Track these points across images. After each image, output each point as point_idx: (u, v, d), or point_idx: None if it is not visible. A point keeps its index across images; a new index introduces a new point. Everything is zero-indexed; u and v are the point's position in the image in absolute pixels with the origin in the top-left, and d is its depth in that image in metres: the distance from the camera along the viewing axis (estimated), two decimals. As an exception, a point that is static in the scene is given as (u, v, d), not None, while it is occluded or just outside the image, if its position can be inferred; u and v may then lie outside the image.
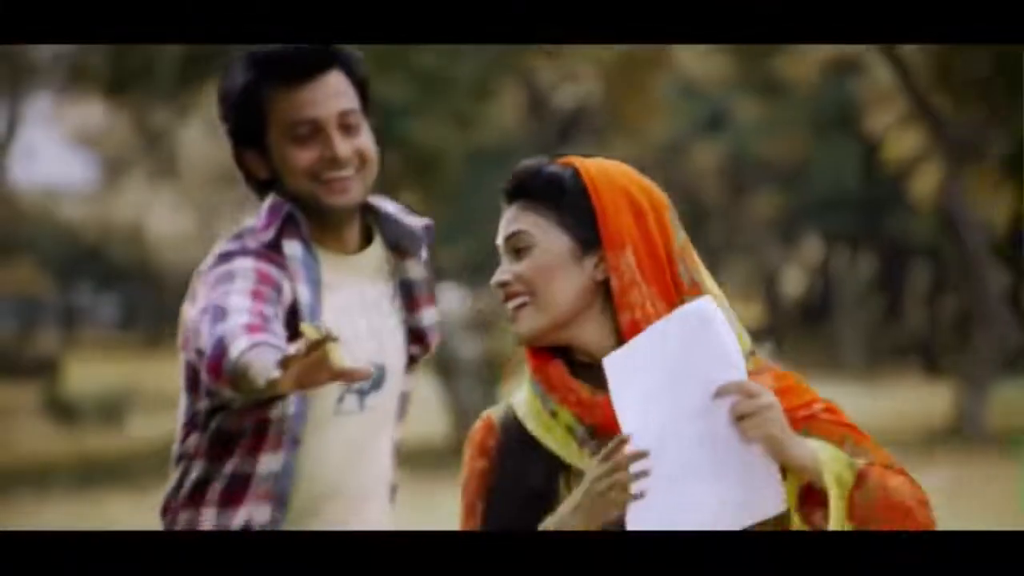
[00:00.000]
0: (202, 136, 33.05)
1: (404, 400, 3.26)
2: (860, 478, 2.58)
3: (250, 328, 2.79)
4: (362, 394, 3.11)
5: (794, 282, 39.11)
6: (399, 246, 3.21)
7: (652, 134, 25.75)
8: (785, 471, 2.60)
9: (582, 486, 2.59)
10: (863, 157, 28.96)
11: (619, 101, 20.18)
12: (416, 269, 3.23)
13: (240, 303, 2.87)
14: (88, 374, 28.23)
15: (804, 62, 26.41)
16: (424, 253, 3.25)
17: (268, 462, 3.03)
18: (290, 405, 3.00)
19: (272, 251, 3.03)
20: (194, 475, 3.07)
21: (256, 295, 2.92)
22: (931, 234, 28.95)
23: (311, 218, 3.08)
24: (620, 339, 2.66)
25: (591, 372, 2.67)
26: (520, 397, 2.75)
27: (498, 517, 2.71)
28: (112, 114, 31.39)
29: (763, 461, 2.58)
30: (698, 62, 27.44)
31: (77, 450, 20.49)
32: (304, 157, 3.04)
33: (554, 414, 2.69)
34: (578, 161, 2.76)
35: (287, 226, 3.06)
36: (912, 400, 23.29)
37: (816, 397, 2.70)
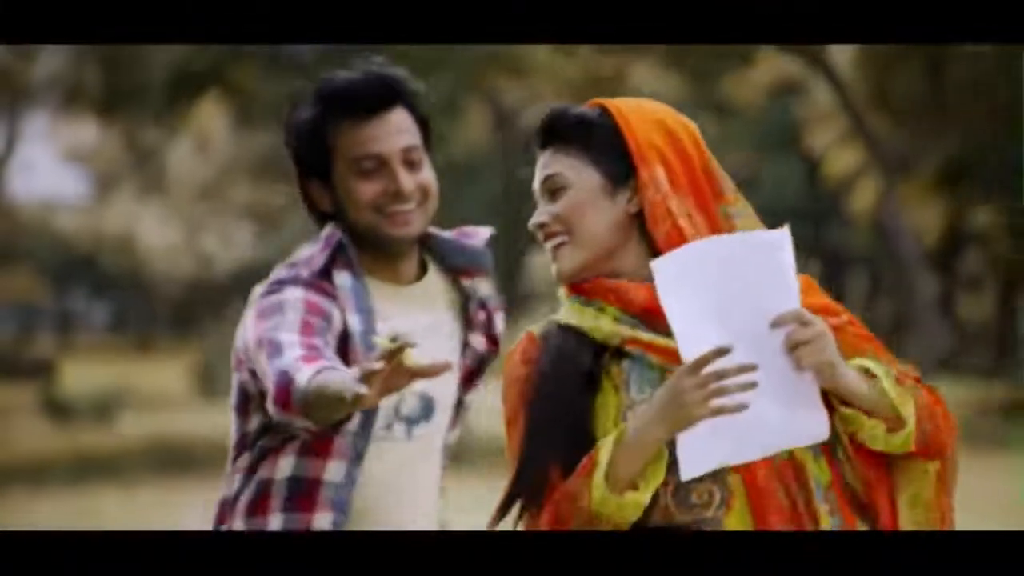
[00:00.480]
0: (189, 154, 33.13)
1: (460, 407, 3.13)
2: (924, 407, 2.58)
3: (306, 359, 2.71)
4: (410, 423, 3.00)
5: None
6: (465, 270, 3.09)
7: None
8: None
9: (666, 393, 2.49)
10: (805, 173, 28.99)
11: None
12: (485, 285, 3.11)
13: (291, 338, 2.79)
14: (82, 375, 28.24)
15: (751, 85, 26.46)
16: (490, 267, 3.12)
17: (332, 470, 2.94)
18: (353, 422, 2.92)
19: (323, 280, 2.94)
20: (252, 486, 2.96)
21: (306, 327, 2.83)
22: (868, 244, 29.07)
23: (369, 249, 2.98)
24: (657, 256, 2.58)
25: None
26: (561, 311, 2.69)
27: (541, 417, 2.62)
28: (105, 132, 31.47)
29: (811, 389, 2.50)
30: (654, 84, 27.53)
31: (72, 447, 20.50)
32: (369, 190, 2.92)
33: (601, 309, 2.63)
34: (607, 101, 2.71)
35: (338, 256, 2.97)
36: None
37: (839, 309, 2.68)
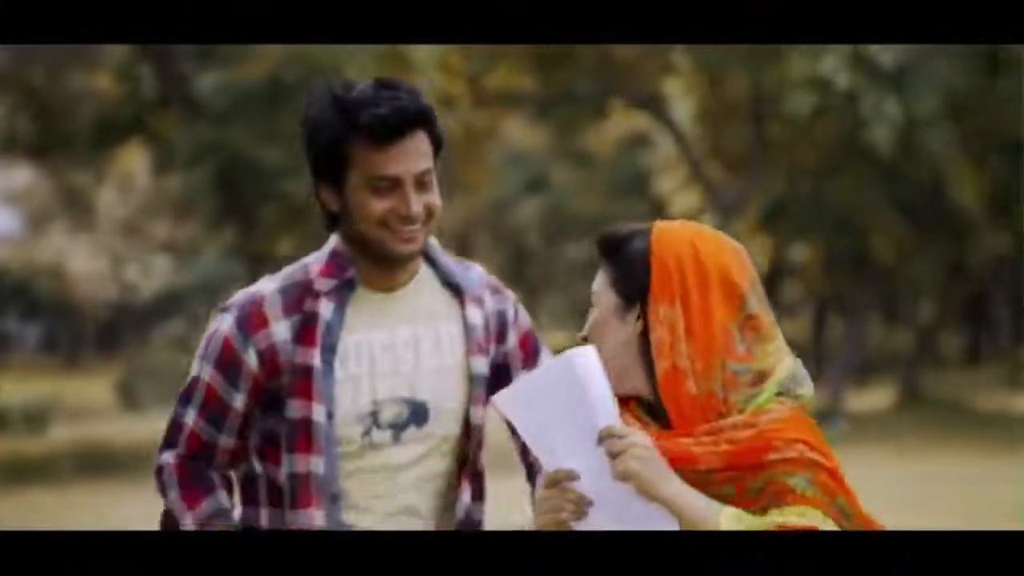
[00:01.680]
0: (114, 194, 32.75)
1: (478, 432, 2.83)
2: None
3: (178, 468, 2.73)
4: (397, 428, 2.75)
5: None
6: (457, 287, 2.83)
7: (485, 193, 25.99)
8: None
9: (536, 502, 2.44)
10: (652, 214, 29.15)
11: (458, 165, 20.41)
12: (473, 314, 2.83)
13: (183, 433, 2.74)
14: (16, 389, 27.74)
15: (606, 137, 26.78)
16: (478, 298, 2.84)
17: (312, 464, 2.72)
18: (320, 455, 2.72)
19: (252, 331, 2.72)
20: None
21: (203, 412, 2.74)
22: None
23: (367, 256, 2.75)
24: (655, 388, 2.42)
25: (655, 410, 2.46)
26: None
27: None
28: (37, 175, 31.04)
29: (639, 498, 2.37)
30: (521, 135, 27.70)
31: (7, 452, 20.19)
32: (379, 207, 2.67)
33: None
34: (662, 223, 2.49)
35: (339, 290, 2.75)
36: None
37: (813, 454, 2.37)
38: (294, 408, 2.70)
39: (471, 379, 2.80)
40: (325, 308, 2.73)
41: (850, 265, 23.29)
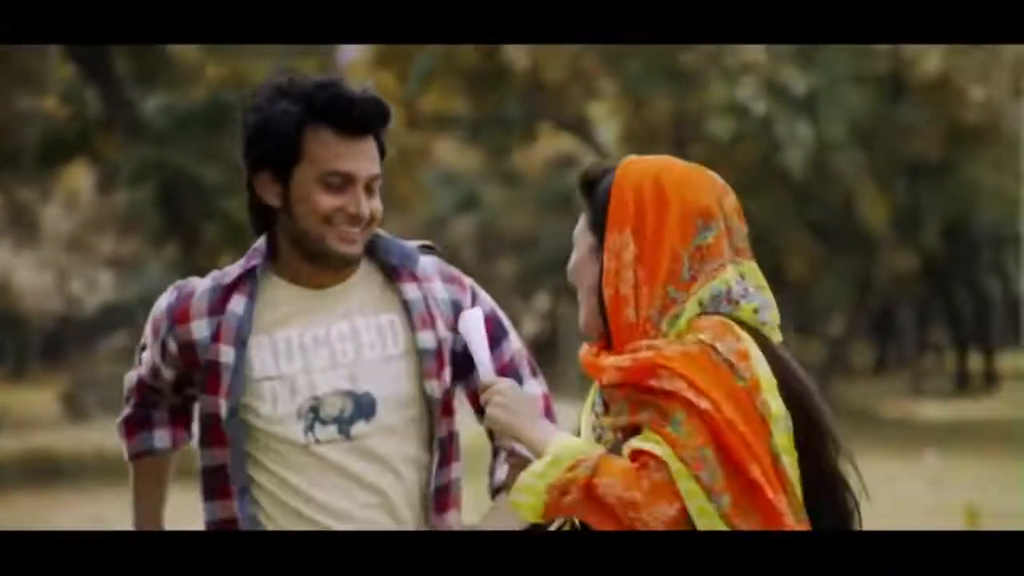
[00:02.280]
0: (60, 211, 32.41)
1: (436, 404, 2.64)
2: (568, 482, 2.20)
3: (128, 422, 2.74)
4: (343, 423, 2.59)
5: (530, 326, 39.56)
6: (395, 268, 2.66)
7: (419, 211, 25.99)
8: None
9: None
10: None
11: (393, 184, 20.41)
12: (408, 289, 2.65)
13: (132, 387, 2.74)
14: (-36, 400, 27.45)
15: (535, 158, 26.83)
16: (419, 277, 2.67)
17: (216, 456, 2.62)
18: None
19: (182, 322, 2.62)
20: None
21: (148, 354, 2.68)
22: None
23: (301, 251, 2.59)
24: (604, 316, 2.29)
25: None
26: None
27: None
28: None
29: None
30: (454, 156, 27.73)
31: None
32: (328, 203, 2.51)
33: None
34: (628, 159, 2.35)
35: (245, 280, 2.61)
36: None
37: (649, 357, 2.21)
38: (204, 403, 2.59)
39: (418, 355, 2.61)
40: (236, 304, 2.59)
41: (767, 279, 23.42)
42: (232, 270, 2.63)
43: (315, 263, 2.59)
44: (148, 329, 2.66)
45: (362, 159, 2.53)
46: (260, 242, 2.63)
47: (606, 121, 21.27)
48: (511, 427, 2.32)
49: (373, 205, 2.55)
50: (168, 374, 2.65)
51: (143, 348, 2.69)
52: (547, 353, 36.12)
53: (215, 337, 2.58)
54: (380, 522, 2.58)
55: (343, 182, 2.52)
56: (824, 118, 18.07)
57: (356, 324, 2.62)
